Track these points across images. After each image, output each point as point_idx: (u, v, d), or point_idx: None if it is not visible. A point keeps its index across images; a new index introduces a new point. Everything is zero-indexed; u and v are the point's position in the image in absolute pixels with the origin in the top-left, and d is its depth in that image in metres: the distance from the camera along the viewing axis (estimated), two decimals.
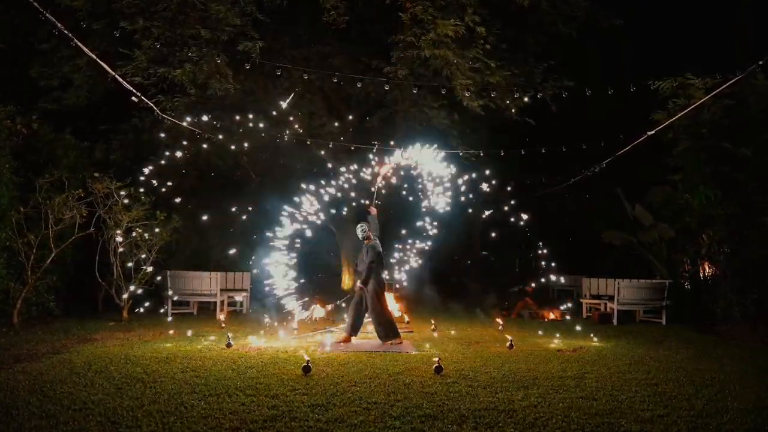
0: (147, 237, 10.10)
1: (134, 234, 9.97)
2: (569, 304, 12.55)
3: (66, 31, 6.24)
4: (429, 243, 10.95)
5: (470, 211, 11.38)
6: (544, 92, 12.36)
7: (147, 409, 4.29)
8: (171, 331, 8.45)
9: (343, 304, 9.75)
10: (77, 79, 10.96)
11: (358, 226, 8.38)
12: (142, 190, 10.22)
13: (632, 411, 4.52)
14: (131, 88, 7.84)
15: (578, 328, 9.64)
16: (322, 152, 12.03)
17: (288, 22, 11.28)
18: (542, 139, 12.57)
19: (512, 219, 11.96)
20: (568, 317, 11.33)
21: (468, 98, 10.35)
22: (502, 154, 11.12)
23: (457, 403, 4.62)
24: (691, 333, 9.44)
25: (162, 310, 10.35)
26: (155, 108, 8.92)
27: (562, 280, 15.37)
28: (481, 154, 10.52)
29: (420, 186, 9.98)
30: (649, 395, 4.99)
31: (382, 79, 9.67)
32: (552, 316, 11.56)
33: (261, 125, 11.31)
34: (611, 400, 4.82)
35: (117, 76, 7.41)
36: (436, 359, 5.88)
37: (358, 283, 8.14)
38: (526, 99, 11.63)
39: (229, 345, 7.11)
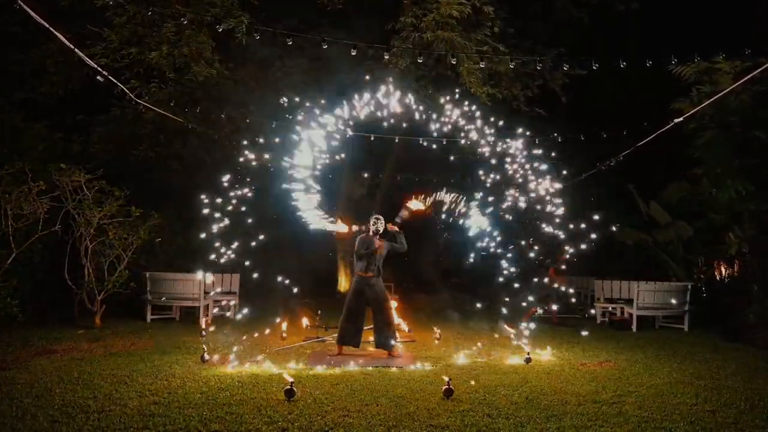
0: (123, 235, 9.18)
1: (110, 233, 9.06)
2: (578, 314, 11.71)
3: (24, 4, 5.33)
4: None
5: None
6: (553, 82, 11.62)
7: None
8: (144, 341, 7.54)
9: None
10: (50, 66, 10.10)
11: (373, 217, 7.10)
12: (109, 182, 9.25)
13: None
14: (97, 67, 6.91)
15: (596, 336, 8.74)
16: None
17: (281, 11, 10.43)
18: (551, 130, 11.73)
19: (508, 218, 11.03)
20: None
21: (474, 83, 9.48)
22: (511, 143, 10.24)
23: None
24: (720, 342, 8.53)
25: (141, 316, 9.45)
26: (128, 92, 8.00)
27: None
28: (491, 145, 9.64)
29: None
30: (710, 428, 4.08)
31: (381, 45, 8.76)
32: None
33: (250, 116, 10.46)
34: None
35: (78, 51, 6.48)
36: (445, 379, 4.94)
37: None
38: (535, 89, 10.86)
39: (203, 359, 6.18)
